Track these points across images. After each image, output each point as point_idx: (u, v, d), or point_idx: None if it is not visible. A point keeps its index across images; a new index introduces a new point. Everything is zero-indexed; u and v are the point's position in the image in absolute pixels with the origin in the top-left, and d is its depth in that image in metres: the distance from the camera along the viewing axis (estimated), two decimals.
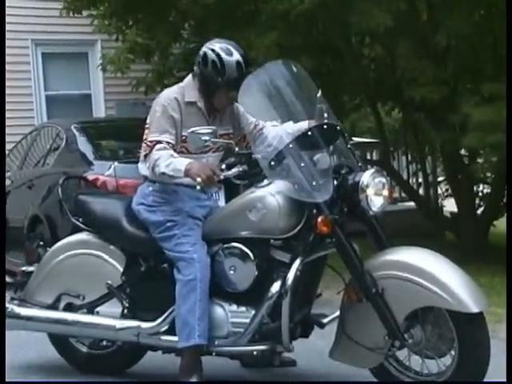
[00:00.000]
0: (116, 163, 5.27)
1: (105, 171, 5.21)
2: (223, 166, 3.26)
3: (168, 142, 3.32)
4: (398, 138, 9.31)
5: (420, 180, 9.13)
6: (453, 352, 3.07)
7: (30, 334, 3.91)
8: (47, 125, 7.09)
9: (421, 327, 3.12)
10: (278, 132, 3.41)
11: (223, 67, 3.35)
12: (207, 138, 3.23)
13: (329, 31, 6.91)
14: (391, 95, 7.68)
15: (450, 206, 8.43)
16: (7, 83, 9.45)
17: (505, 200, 8.02)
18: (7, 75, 9.47)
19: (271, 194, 3.21)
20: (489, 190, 8.12)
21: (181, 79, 9.88)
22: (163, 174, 3.27)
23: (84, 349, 3.80)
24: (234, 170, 3.25)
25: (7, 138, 8.23)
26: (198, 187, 3.18)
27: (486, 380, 3.09)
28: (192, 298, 3.22)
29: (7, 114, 9.36)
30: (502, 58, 6.24)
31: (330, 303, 3.55)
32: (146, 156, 3.38)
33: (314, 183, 3.12)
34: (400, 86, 7.14)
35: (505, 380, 3.01)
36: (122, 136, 6.42)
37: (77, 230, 5.24)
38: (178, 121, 3.36)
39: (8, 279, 3.91)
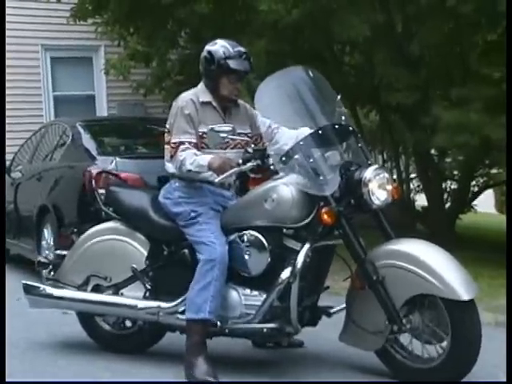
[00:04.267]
0: (117, 158, 5.25)
1: (107, 166, 5.18)
2: (240, 161, 3.26)
3: (190, 142, 3.33)
4: (374, 138, 9.34)
5: (394, 177, 9.16)
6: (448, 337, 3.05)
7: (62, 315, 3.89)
8: (55, 122, 7.04)
9: (419, 313, 3.11)
10: (294, 134, 3.36)
11: (211, 55, 3.42)
12: (225, 135, 3.23)
13: (313, 40, 6.91)
14: (369, 99, 7.69)
15: (421, 200, 8.47)
16: (19, 84, 9.41)
17: (470, 195, 8.06)
18: (19, 77, 9.43)
19: (286, 184, 3.20)
20: (456, 187, 8.17)
21: (178, 82, 9.83)
22: (189, 171, 3.30)
23: (108, 328, 3.76)
24: (249, 165, 3.23)
25: (19, 135, 8.19)
26: (217, 179, 3.21)
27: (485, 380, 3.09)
28: (209, 277, 3.21)
29: (18, 113, 9.34)
30: (469, 66, 6.27)
31: (339, 294, 3.52)
32: (171, 157, 3.38)
33: (321, 178, 3.11)
34: (377, 90, 7.16)
35: (505, 380, 2.98)
36: (123, 133, 6.39)
37: (83, 219, 5.26)
38: (194, 118, 3.37)
39: (42, 259, 3.86)
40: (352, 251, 3.15)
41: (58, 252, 3.83)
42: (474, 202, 8.57)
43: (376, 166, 3.21)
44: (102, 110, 10.17)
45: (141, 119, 7.72)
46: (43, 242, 5.66)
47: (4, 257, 4.39)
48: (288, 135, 3.40)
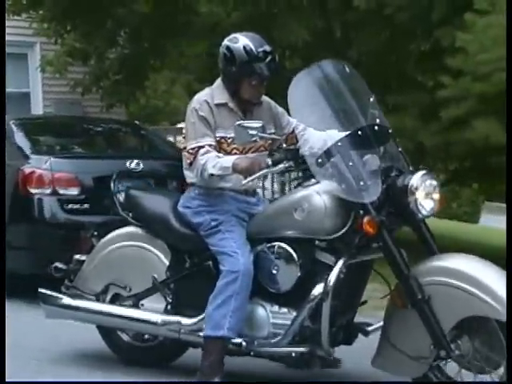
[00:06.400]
0: (52, 158, 5.12)
1: (41, 165, 5.03)
2: (269, 162, 2.95)
3: (210, 145, 3.05)
4: None
5: None
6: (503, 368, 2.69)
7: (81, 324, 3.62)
8: None
9: (469, 338, 2.76)
10: (322, 136, 3.05)
11: (232, 55, 3.07)
12: (254, 132, 2.90)
13: None
14: None
15: None
16: None
17: None
18: None
19: (318, 193, 2.91)
20: None
21: (117, 82, 9.65)
22: (212, 175, 3.01)
23: (128, 340, 3.50)
24: (280, 166, 2.93)
25: None
26: (244, 181, 2.96)
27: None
28: (230, 290, 2.95)
29: None
30: (405, 73, 6.43)
31: (376, 311, 3.24)
32: (191, 164, 3.09)
33: (361, 183, 2.80)
34: None
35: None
36: (59, 133, 6.24)
37: (15, 219, 5.09)
38: (211, 122, 3.09)
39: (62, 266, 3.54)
40: (394, 266, 2.83)
41: (77, 257, 3.55)
42: None
43: (423, 171, 2.89)
44: (38, 109, 9.94)
45: (77, 118, 7.57)
46: None
47: (4, 259, 4.22)
48: (316, 137, 3.10)
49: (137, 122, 7.72)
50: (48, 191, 4.99)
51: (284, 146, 3.12)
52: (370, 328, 3.09)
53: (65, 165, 5.07)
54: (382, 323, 2.97)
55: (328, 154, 2.85)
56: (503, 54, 4.55)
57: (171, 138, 9.51)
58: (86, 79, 8.63)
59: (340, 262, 2.86)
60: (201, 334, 3.07)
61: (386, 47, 6.41)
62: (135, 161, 5.19)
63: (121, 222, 3.47)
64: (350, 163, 2.84)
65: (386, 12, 5.86)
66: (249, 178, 2.95)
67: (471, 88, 4.81)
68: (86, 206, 4.99)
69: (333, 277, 2.83)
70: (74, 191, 4.99)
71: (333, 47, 6.93)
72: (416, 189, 2.82)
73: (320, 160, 2.86)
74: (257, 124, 2.94)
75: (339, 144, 2.85)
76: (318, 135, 3.09)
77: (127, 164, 5.18)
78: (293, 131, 3.22)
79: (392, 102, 6.16)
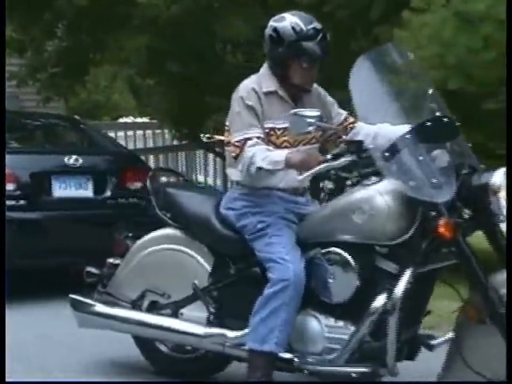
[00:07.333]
0: None
1: None
2: (328, 156, 2.70)
3: (258, 137, 2.79)
4: None
5: None
6: None
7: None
8: None
9: None
10: (372, 130, 2.85)
11: (278, 35, 2.86)
12: (312, 120, 2.67)
13: (195, 37, 6.94)
14: None
15: None
16: None
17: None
18: None
19: (380, 193, 2.66)
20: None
21: (54, 75, 9.47)
22: (260, 169, 2.74)
23: (166, 350, 3.31)
24: (342, 160, 2.68)
25: None
26: (300, 177, 2.73)
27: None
28: (279, 300, 2.71)
29: None
30: (346, 70, 6.54)
31: (440, 323, 3.08)
32: (236, 157, 2.82)
33: (433, 180, 2.55)
34: None
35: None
36: None
37: None
38: (259, 112, 2.84)
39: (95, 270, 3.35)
40: (471, 275, 2.56)
41: (111, 261, 3.34)
42: None
43: (504, 168, 2.63)
44: None
45: (14, 113, 7.39)
46: None
47: (4, 257, 4.13)
48: (365, 132, 2.90)
49: (76, 116, 7.61)
50: None
51: (344, 137, 2.88)
52: (434, 342, 2.83)
53: None
54: (448, 336, 2.73)
55: (394, 147, 2.60)
56: (437, 52, 4.69)
57: (112, 134, 9.41)
58: (22, 71, 8.44)
59: (408, 272, 2.60)
60: (246, 347, 2.84)
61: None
62: (74, 156, 5.14)
63: (156, 222, 3.28)
64: (420, 157, 2.58)
65: (325, 9, 5.94)
66: (305, 174, 2.71)
67: (407, 84, 4.94)
68: (22, 202, 4.91)
69: (400, 288, 2.59)
70: (9, 187, 4.91)
71: None
72: (499, 188, 2.56)
73: (386, 153, 2.60)
74: (315, 112, 2.72)
75: (407, 136, 2.59)
76: (368, 130, 2.90)
77: (65, 160, 5.11)
78: (342, 122, 3.02)
79: (336, 97, 6.25)
